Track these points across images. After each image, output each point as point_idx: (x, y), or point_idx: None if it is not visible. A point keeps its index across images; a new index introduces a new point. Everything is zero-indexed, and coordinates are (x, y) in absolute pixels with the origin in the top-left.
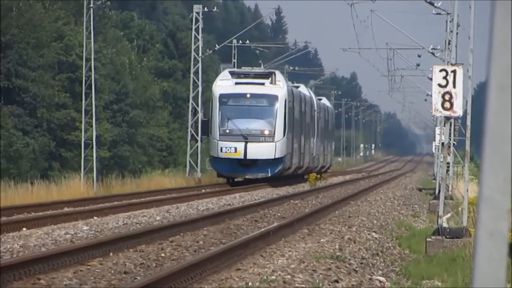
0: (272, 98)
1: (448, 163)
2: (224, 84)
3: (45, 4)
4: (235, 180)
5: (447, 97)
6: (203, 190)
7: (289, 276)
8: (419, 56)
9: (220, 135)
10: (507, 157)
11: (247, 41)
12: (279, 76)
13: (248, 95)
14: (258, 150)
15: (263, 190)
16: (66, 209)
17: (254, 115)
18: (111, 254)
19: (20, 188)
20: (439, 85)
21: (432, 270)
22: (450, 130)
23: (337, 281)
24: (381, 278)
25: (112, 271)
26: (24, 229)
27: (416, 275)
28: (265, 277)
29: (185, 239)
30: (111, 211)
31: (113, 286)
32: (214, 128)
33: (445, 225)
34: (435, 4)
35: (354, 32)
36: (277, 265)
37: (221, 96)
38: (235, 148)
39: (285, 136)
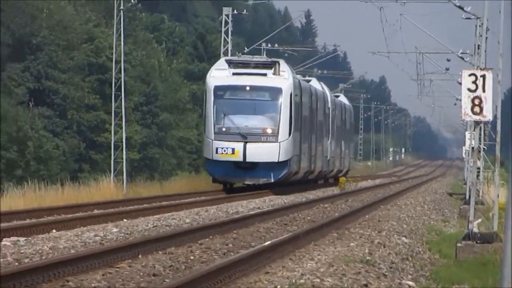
0: (276, 91)
1: (479, 168)
2: (220, 74)
3: (76, 6)
4: (233, 186)
5: (476, 101)
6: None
7: (318, 280)
8: (448, 60)
9: (215, 134)
10: None
11: (276, 44)
12: (283, 66)
13: (248, 88)
14: (259, 152)
15: (292, 195)
16: (95, 211)
17: (255, 110)
18: (140, 256)
19: (50, 190)
20: (469, 90)
21: (462, 275)
22: (480, 134)
23: (366, 286)
24: (411, 283)
25: (141, 273)
26: (54, 231)
27: (446, 279)
28: (293, 280)
29: (214, 242)
30: (140, 213)
31: None
32: (208, 126)
33: (475, 230)
34: (465, 9)
35: (383, 35)
36: (306, 269)
37: (216, 88)
38: (233, 149)
39: (291, 135)
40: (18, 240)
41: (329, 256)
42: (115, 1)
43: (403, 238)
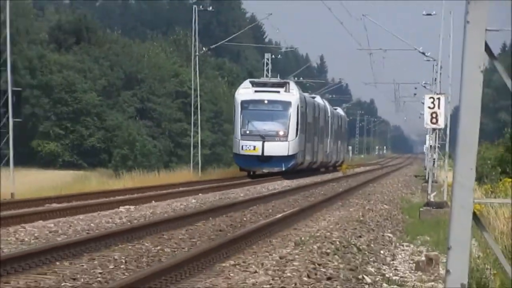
0: (286, 104)
1: (434, 159)
2: (245, 92)
3: (166, 52)
4: (255, 173)
5: (434, 115)
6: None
7: (328, 233)
8: (415, 88)
9: (241, 135)
10: (473, 155)
11: (301, 78)
12: (292, 85)
13: (266, 101)
14: (274, 148)
15: (311, 178)
16: (180, 189)
17: (271, 118)
18: (210, 218)
19: (150, 175)
20: (429, 107)
21: (423, 230)
22: (435, 137)
23: (360, 236)
24: (390, 234)
25: (211, 230)
26: (153, 201)
27: (412, 233)
28: (312, 233)
29: (260, 209)
30: (210, 190)
31: None
32: (236, 129)
33: (432, 200)
34: (426, 54)
35: (372, 72)
36: (321, 226)
37: (243, 102)
38: (254, 146)
39: (297, 136)
40: (130, 208)
41: (336, 217)
42: (192, 50)
43: (385, 205)
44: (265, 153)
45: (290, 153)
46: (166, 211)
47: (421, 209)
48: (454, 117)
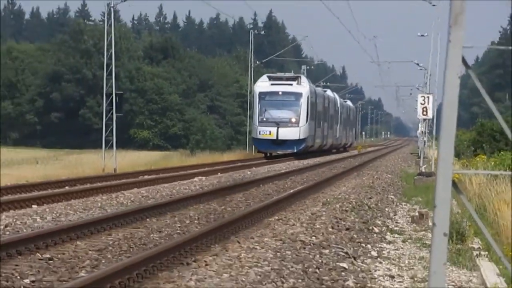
0: (298, 95)
1: (425, 141)
2: (263, 84)
3: (230, 64)
4: (272, 154)
5: (425, 109)
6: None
7: (347, 196)
8: (411, 89)
9: (259, 122)
10: (452, 138)
11: (328, 83)
12: (303, 79)
13: (280, 93)
14: (287, 133)
15: (335, 155)
16: (239, 164)
17: (284, 107)
18: (261, 185)
19: (216, 154)
20: (421, 103)
21: (417, 193)
22: (426, 125)
23: (370, 198)
24: (392, 196)
25: (262, 194)
26: (219, 173)
27: (409, 195)
28: (335, 196)
29: (297, 178)
30: (261, 165)
31: None
32: (255, 117)
33: (423, 170)
34: (419, 64)
35: (380, 77)
36: (342, 190)
37: (260, 93)
38: (270, 131)
39: (307, 122)
40: (201, 178)
41: (352, 184)
42: (249, 63)
43: (388, 175)
44: (279, 137)
45: (301, 137)
46: (228, 180)
47: (415, 177)
48: (439, 110)
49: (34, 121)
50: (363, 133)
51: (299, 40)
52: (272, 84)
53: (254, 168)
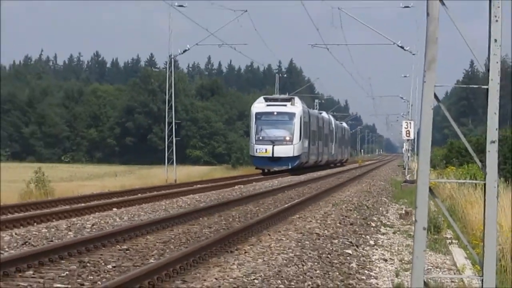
0: (291, 115)
1: (408, 156)
2: (259, 105)
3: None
4: (269, 170)
5: (408, 132)
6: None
7: (351, 198)
8: (397, 117)
9: (255, 140)
10: (428, 153)
11: (334, 112)
12: (297, 100)
13: (275, 113)
14: (282, 150)
15: (340, 168)
16: (269, 176)
17: (279, 126)
18: (285, 191)
19: (252, 169)
20: (405, 128)
21: (403, 195)
22: (409, 144)
23: (368, 200)
24: (385, 198)
25: (286, 198)
26: (254, 182)
27: (397, 197)
28: (342, 199)
29: (313, 186)
30: (285, 176)
31: None
32: (252, 136)
33: (408, 178)
34: (403, 98)
35: (374, 108)
36: (346, 194)
37: (257, 114)
38: (266, 149)
39: (301, 140)
40: (241, 187)
41: (354, 189)
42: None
43: (382, 182)
44: (275, 155)
45: (295, 154)
46: (260, 188)
47: (402, 184)
48: (418, 133)
49: (113, 144)
50: (362, 150)
51: (312, 81)
52: (268, 105)
53: (280, 178)
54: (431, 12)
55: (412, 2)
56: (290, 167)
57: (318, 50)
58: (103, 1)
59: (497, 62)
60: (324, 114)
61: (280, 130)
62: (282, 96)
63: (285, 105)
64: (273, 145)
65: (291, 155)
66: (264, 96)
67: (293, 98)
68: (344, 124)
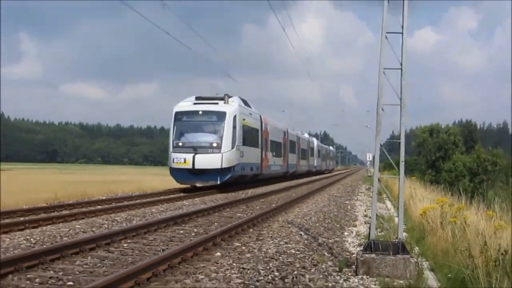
0: (221, 114)
1: (369, 165)
2: (183, 104)
3: None
4: (196, 186)
5: (370, 158)
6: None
7: (340, 187)
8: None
9: (173, 147)
10: (377, 165)
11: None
12: (234, 98)
13: (200, 112)
14: (206, 161)
15: (334, 173)
16: (282, 178)
17: (204, 129)
18: (292, 189)
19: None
20: (368, 157)
21: (368, 181)
22: (373, 161)
23: (351, 187)
24: (360, 182)
25: (294, 193)
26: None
27: (366, 181)
28: (332, 192)
29: (309, 187)
30: (291, 180)
31: None
32: (170, 142)
33: (369, 175)
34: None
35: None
36: (337, 187)
37: (177, 113)
38: (184, 159)
39: (235, 148)
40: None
41: (343, 184)
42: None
43: (359, 177)
44: (196, 166)
45: (224, 166)
46: (278, 188)
47: (367, 176)
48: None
49: None
50: (346, 162)
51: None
52: (194, 104)
53: (284, 182)
54: (378, 119)
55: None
56: (219, 182)
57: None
58: None
59: (403, 124)
60: (306, 135)
61: (206, 134)
62: (219, 96)
63: (216, 103)
64: (195, 154)
65: (218, 166)
66: (197, 96)
67: (229, 96)
68: (331, 147)
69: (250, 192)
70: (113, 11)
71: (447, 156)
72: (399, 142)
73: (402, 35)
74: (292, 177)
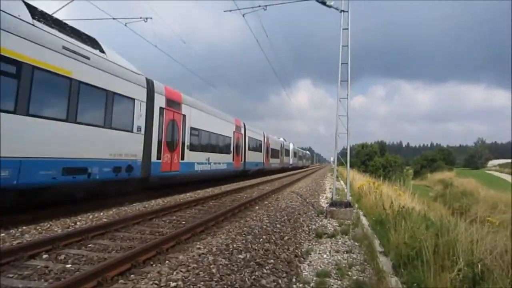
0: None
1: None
2: None
3: None
4: None
5: (332, 158)
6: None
7: (310, 181)
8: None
9: None
10: (335, 162)
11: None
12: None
13: None
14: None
15: (307, 168)
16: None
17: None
18: (268, 183)
19: None
20: (331, 158)
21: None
22: (335, 160)
23: (319, 179)
24: (329, 173)
25: (270, 187)
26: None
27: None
28: (303, 184)
29: (284, 180)
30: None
31: None
32: None
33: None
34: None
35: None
36: (307, 181)
37: None
38: None
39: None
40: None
41: (312, 178)
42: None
43: (327, 171)
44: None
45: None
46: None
47: (331, 168)
48: (334, 160)
49: None
50: (319, 162)
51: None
52: None
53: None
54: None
55: None
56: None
57: None
58: None
59: (349, 142)
60: (281, 139)
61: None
62: None
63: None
64: None
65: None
66: None
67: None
68: (307, 152)
69: (259, 180)
70: None
71: (371, 158)
72: (347, 152)
73: (348, 99)
74: (281, 171)
